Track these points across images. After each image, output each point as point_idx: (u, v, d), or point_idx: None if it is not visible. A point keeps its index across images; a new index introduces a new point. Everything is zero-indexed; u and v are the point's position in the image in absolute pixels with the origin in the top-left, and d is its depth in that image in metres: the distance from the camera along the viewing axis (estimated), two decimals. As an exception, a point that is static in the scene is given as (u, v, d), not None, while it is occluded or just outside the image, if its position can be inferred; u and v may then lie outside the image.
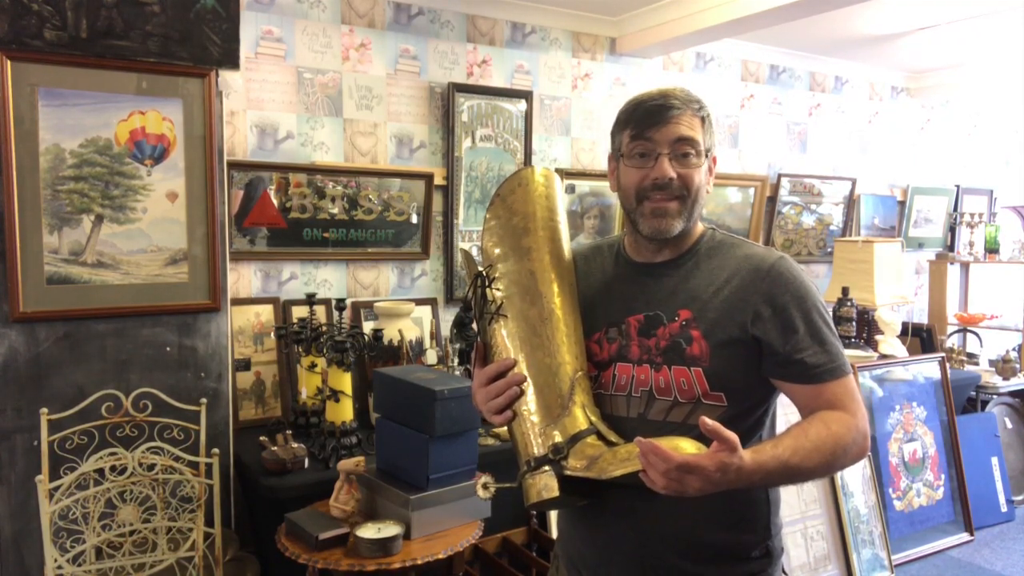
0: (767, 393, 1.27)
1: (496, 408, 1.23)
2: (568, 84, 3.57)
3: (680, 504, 1.15)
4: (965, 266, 5.17)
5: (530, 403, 1.20)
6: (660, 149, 1.23)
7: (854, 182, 4.58)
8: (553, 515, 2.73)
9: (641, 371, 1.24)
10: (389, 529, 1.93)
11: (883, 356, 3.78)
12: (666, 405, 1.22)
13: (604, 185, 3.65)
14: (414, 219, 3.17)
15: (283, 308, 2.92)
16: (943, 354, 3.96)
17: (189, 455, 2.11)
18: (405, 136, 3.17)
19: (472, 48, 3.30)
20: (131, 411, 2.16)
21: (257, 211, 2.85)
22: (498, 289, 1.28)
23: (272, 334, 2.81)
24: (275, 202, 2.88)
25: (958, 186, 5.14)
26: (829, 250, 4.52)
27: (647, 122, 1.24)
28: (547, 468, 1.15)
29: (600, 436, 1.17)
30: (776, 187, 4.29)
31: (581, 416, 1.19)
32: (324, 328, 2.57)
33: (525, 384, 1.21)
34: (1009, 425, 4.28)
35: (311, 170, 2.95)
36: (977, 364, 4.45)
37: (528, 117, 3.40)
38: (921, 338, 4.28)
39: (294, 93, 2.93)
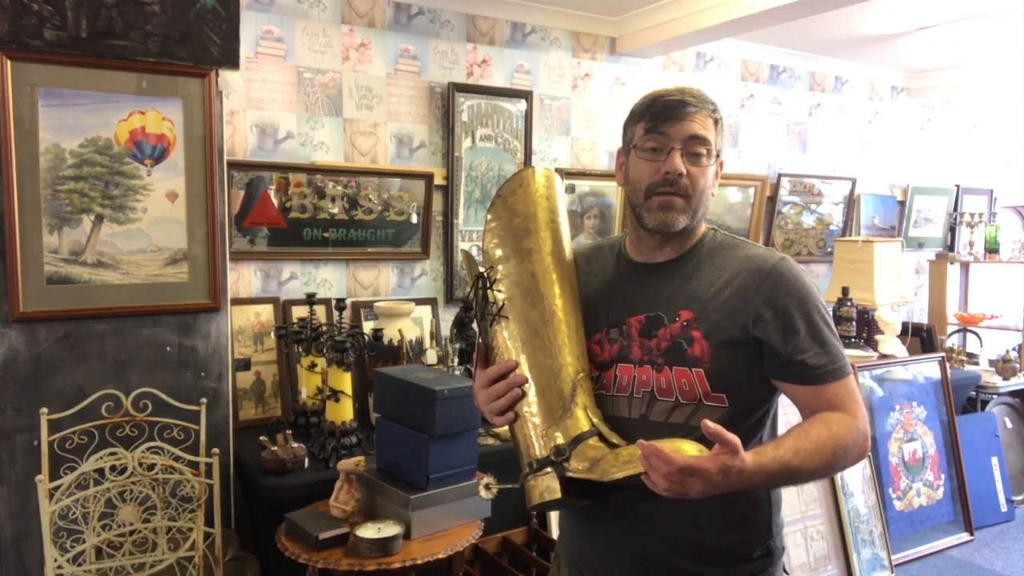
0: (768, 394, 1.27)
1: (498, 410, 1.23)
2: (568, 84, 3.57)
3: (682, 505, 1.15)
4: (965, 266, 5.17)
5: (532, 405, 1.20)
6: (673, 144, 1.23)
7: (854, 182, 4.58)
8: (554, 515, 2.73)
9: (642, 372, 1.24)
10: (389, 529, 1.93)
11: (883, 356, 3.78)
12: (668, 406, 1.22)
13: (604, 185, 3.65)
14: (414, 219, 3.17)
15: (283, 308, 2.92)
16: (943, 354, 3.96)
17: (189, 455, 2.10)
18: (405, 136, 3.17)
19: (472, 48, 3.30)
20: (131, 411, 2.16)
21: (257, 211, 2.85)
22: (499, 290, 1.28)
23: (272, 334, 2.81)
24: (275, 202, 2.88)
25: (958, 186, 5.14)
26: (829, 250, 4.52)
27: (663, 116, 1.24)
28: (549, 470, 1.15)
29: (602, 438, 1.17)
30: (776, 187, 4.29)
31: (583, 418, 1.19)
32: (324, 328, 2.57)
33: (527, 386, 1.21)
34: (1009, 425, 4.28)
35: (311, 170, 2.95)
36: (977, 364, 4.45)
37: (528, 117, 3.40)
38: (921, 338, 4.28)
39: (294, 93, 2.93)
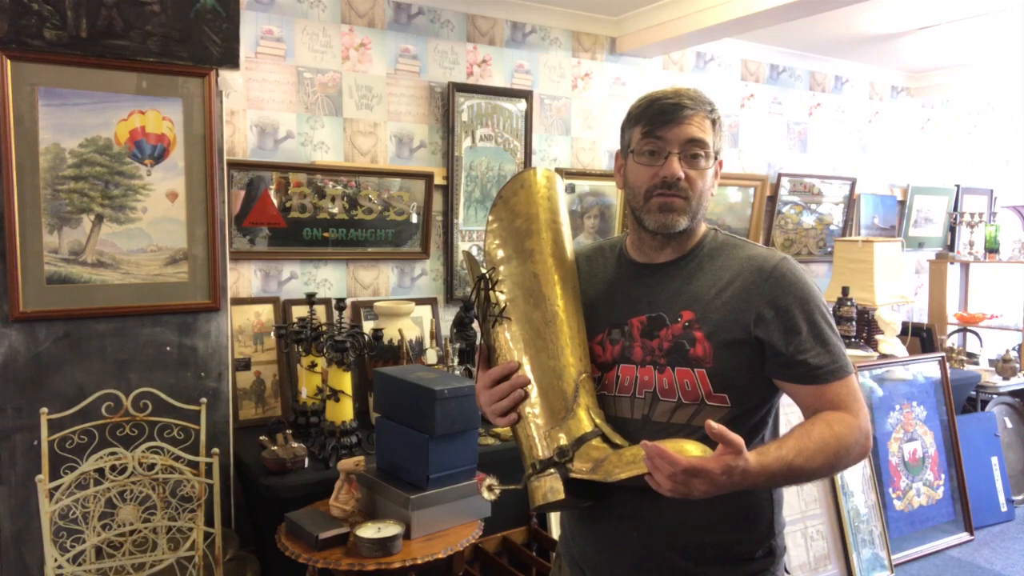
0: (770, 394, 1.27)
1: (500, 411, 1.23)
2: (568, 84, 3.57)
3: (684, 505, 1.15)
4: (965, 266, 5.17)
5: (535, 406, 1.20)
6: (670, 148, 1.23)
7: (854, 182, 4.58)
8: (554, 515, 2.73)
9: (644, 372, 1.24)
10: (389, 529, 1.93)
11: (883, 356, 3.78)
12: (670, 406, 1.22)
13: (604, 185, 3.65)
14: (414, 219, 3.17)
15: (283, 308, 2.92)
16: (943, 354, 3.96)
17: (189, 455, 2.10)
18: (405, 136, 3.17)
19: (472, 48, 3.29)
20: (131, 411, 2.16)
21: (257, 211, 2.85)
22: (501, 291, 1.28)
23: (272, 334, 2.81)
24: (275, 202, 2.88)
25: (958, 186, 5.14)
26: (829, 250, 4.52)
27: (659, 120, 1.23)
28: (552, 471, 1.15)
29: (605, 438, 1.18)
30: (776, 187, 4.29)
31: (586, 418, 1.19)
32: (324, 328, 2.57)
33: (529, 387, 1.21)
34: (1009, 425, 4.28)
35: (311, 170, 2.95)
36: (977, 364, 4.45)
37: (528, 117, 3.40)
38: (921, 338, 4.28)
39: (294, 93, 2.93)
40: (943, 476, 3.71)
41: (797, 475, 1.14)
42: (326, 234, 3.00)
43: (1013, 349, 4.34)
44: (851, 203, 4.62)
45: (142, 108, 2.23)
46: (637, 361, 1.26)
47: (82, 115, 2.16)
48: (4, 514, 2.13)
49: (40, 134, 2.11)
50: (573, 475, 1.14)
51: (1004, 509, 3.90)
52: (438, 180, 3.20)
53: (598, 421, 1.20)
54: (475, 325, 2.91)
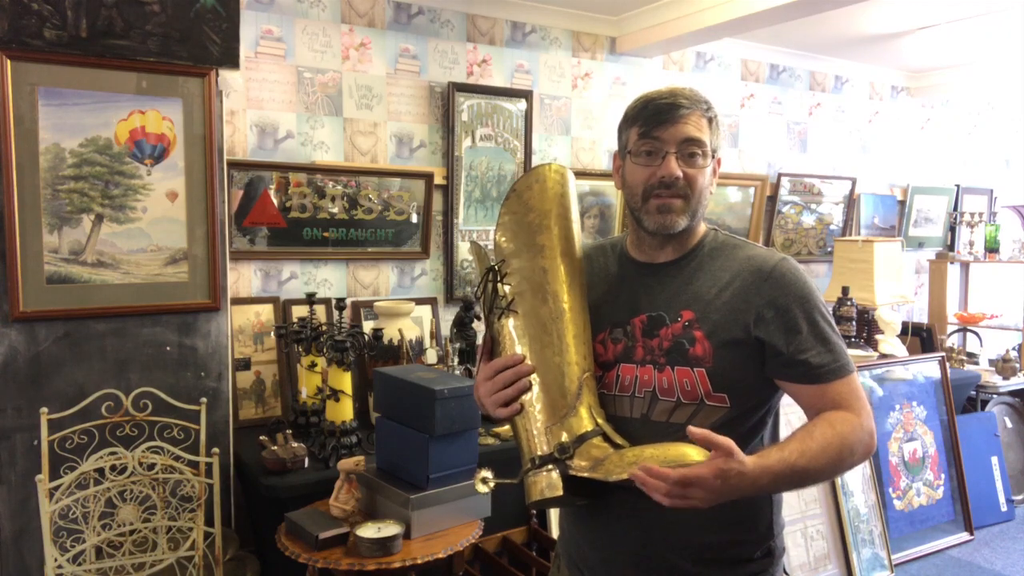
0: (770, 394, 1.27)
1: (503, 399, 1.22)
2: (568, 83, 3.57)
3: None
4: (965, 265, 5.17)
5: (537, 401, 1.20)
6: (667, 148, 1.23)
7: (854, 181, 4.58)
8: (554, 514, 2.73)
9: (644, 372, 1.24)
10: (389, 528, 1.93)
11: (883, 356, 3.78)
12: (669, 406, 1.22)
13: (604, 184, 3.65)
14: (414, 218, 3.17)
15: (283, 307, 2.92)
16: (943, 353, 3.96)
17: (189, 454, 2.10)
18: (405, 135, 3.17)
19: (472, 47, 3.29)
20: (131, 410, 2.16)
21: (257, 210, 2.85)
22: (509, 284, 1.27)
23: (272, 333, 2.81)
24: (275, 201, 2.88)
25: (958, 186, 5.14)
26: (829, 250, 4.52)
27: (655, 121, 1.23)
28: (551, 466, 1.15)
29: (606, 438, 1.18)
30: (776, 186, 4.29)
31: (587, 417, 1.19)
32: (324, 327, 2.57)
33: (533, 377, 1.21)
34: (1009, 424, 4.28)
35: (311, 169, 2.95)
36: (977, 364, 4.45)
37: (528, 116, 3.40)
38: (921, 337, 4.28)
39: (294, 92, 2.93)
40: (943, 476, 3.71)
41: (801, 477, 1.14)
42: (326, 234, 3.00)
43: (1013, 349, 4.34)
44: (851, 203, 4.62)
45: (142, 108, 2.23)
46: (637, 361, 1.26)
47: (82, 115, 2.16)
48: (4, 514, 2.13)
49: (40, 134, 2.11)
50: (573, 472, 1.13)
51: (1004, 509, 3.90)
52: (438, 180, 3.20)
53: (600, 420, 1.20)
54: (475, 325, 2.91)
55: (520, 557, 2.59)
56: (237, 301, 2.80)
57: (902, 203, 4.92)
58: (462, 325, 2.88)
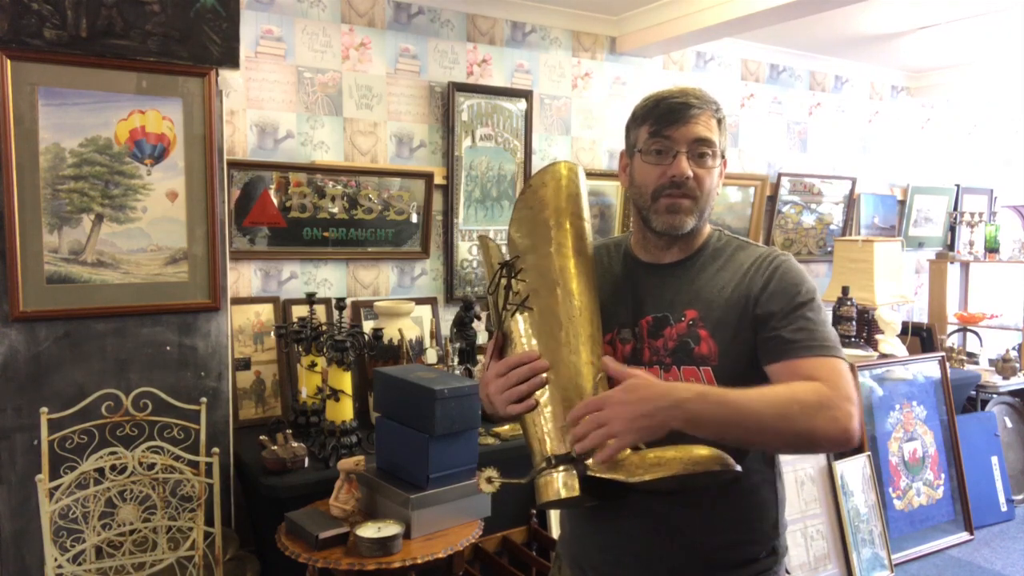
0: None
1: (516, 395, 1.18)
2: (568, 83, 3.57)
3: (689, 505, 1.15)
4: (965, 265, 5.17)
5: (552, 400, 1.18)
6: (678, 147, 1.23)
7: (854, 181, 4.58)
8: (554, 515, 2.73)
9: (651, 373, 1.24)
10: (389, 528, 1.93)
11: (883, 355, 3.78)
12: None
13: (604, 184, 3.65)
14: (414, 218, 3.17)
15: (283, 307, 2.92)
16: (943, 353, 3.96)
17: (189, 454, 2.10)
18: (405, 135, 3.17)
19: (472, 47, 3.29)
20: (131, 410, 2.16)
21: (257, 210, 2.85)
22: (523, 281, 1.26)
23: (272, 333, 2.81)
24: (275, 201, 2.88)
25: (958, 185, 5.14)
26: (829, 249, 4.52)
27: (667, 120, 1.23)
28: (568, 466, 1.13)
29: None
30: (776, 186, 4.29)
31: None
32: (324, 327, 2.57)
33: (548, 374, 1.18)
34: (1009, 424, 4.27)
35: (311, 169, 2.95)
36: (977, 363, 4.45)
37: (528, 116, 3.40)
38: (921, 337, 4.28)
39: (294, 92, 2.93)
40: (943, 476, 3.71)
41: (740, 417, 1.07)
42: (326, 234, 3.00)
43: (1013, 349, 4.34)
44: (851, 203, 4.62)
45: (142, 108, 2.23)
46: (645, 362, 1.26)
47: (82, 115, 2.16)
48: (4, 514, 2.13)
49: (40, 134, 2.11)
50: (591, 473, 1.11)
51: (1004, 509, 3.90)
52: (438, 180, 3.20)
53: None
54: (475, 325, 2.91)
55: (520, 557, 2.59)
56: (237, 301, 2.80)
57: (902, 203, 4.92)
58: (462, 325, 2.88)
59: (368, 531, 1.92)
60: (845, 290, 3.74)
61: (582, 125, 3.64)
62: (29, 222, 2.12)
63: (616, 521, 1.27)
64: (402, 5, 3.12)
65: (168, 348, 2.30)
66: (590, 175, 3.61)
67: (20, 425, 2.12)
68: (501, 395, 1.20)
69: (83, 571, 1.98)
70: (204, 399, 2.23)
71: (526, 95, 3.39)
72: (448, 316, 3.18)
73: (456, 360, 2.82)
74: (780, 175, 4.29)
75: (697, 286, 1.27)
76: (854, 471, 3.34)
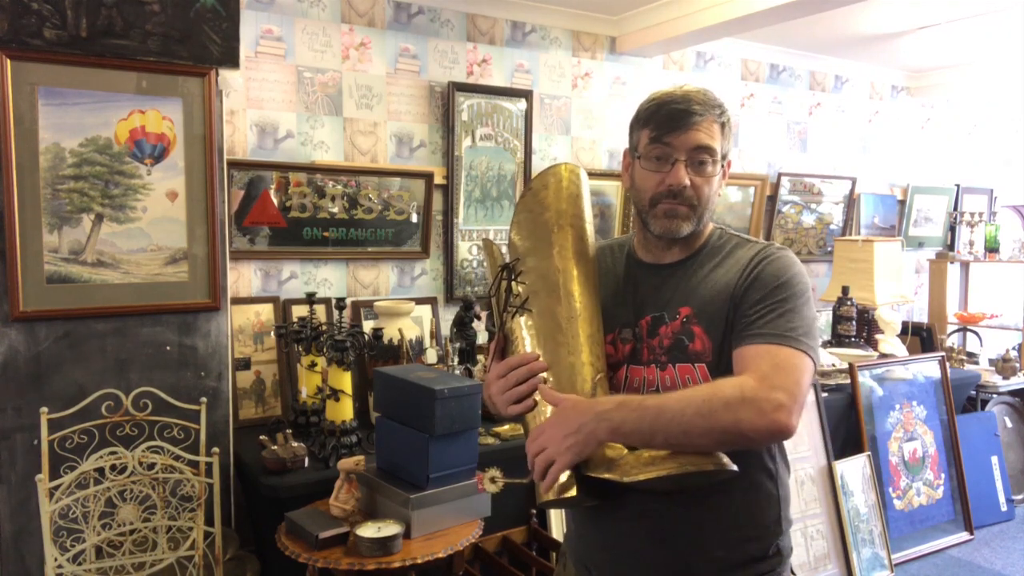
0: None
1: (516, 396, 1.20)
2: (568, 83, 3.57)
3: (688, 504, 1.15)
4: (965, 265, 5.17)
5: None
6: (677, 155, 1.22)
7: (854, 181, 4.58)
8: (555, 514, 2.73)
9: (649, 372, 1.25)
10: (389, 528, 1.93)
11: (883, 355, 3.78)
12: None
13: (604, 184, 3.66)
14: (414, 218, 3.17)
15: (283, 307, 2.92)
16: (943, 353, 3.96)
17: (189, 454, 2.10)
18: (405, 135, 3.17)
19: (472, 47, 3.29)
20: (131, 410, 2.16)
21: (257, 210, 2.85)
22: (523, 283, 1.27)
23: (272, 333, 2.81)
24: (275, 201, 2.88)
25: (958, 185, 5.14)
26: (829, 249, 4.52)
27: (668, 126, 1.23)
28: None
29: None
30: (776, 186, 4.29)
31: None
32: (324, 327, 2.57)
33: (547, 375, 1.20)
34: (1009, 424, 4.27)
35: (311, 169, 2.95)
36: (977, 363, 4.44)
37: (528, 116, 3.40)
38: (921, 337, 4.28)
39: (294, 92, 2.93)
40: (943, 476, 3.71)
41: (658, 419, 1.06)
42: (326, 234, 3.00)
43: (1013, 349, 4.34)
44: (851, 203, 4.62)
45: (142, 108, 2.23)
46: (643, 362, 1.26)
47: (82, 115, 2.16)
48: (4, 514, 2.13)
49: (40, 134, 2.11)
50: (589, 473, 1.13)
51: (1004, 509, 3.90)
52: (438, 180, 3.20)
53: None
54: (475, 324, 2.91)
55: (520, 557, 2.59)
56: (237, 301, 2.80)
57: (902, 203, 4.92)
58: (462, 325, 2.88)
59: (368, 531, 1.92)
60: (845, 290, 3.74)
61: (582, 125, 3.64)
62: (29, 222, 2.12)
63: (618, 520, 1.27)
64: (402, 5, 3.12)
65: (168, 348, 2.30)
66: (590, 175, 3.57)
67: (20, 425, 2.12)
68: (502, 396, 1.23)
69: (83, 571, 1.98)
70: (204, 399, 2.23)
71: (526, 95, 3.39)
72: (448, 316, 3.19)
73: (456, 360, 2.82)
74: (780, 175, 4.29)
75: (693, 284, 1.27)
76: (854, 471, 3.34)
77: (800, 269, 1.25)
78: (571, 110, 3.60)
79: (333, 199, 2.98)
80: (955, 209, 5.09)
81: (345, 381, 2.35)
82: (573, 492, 1.13)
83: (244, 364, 2.79)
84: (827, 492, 3.26)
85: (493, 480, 1.21)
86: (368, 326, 2.90)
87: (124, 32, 2.15)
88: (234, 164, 2.76)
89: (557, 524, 2.74)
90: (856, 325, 3.73)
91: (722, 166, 1.27)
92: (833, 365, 3.67)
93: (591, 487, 1.15)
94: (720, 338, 1.21)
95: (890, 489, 3.50)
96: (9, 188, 2.07)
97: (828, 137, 4.55)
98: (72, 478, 1.96)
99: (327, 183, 2.96)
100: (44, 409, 2.07)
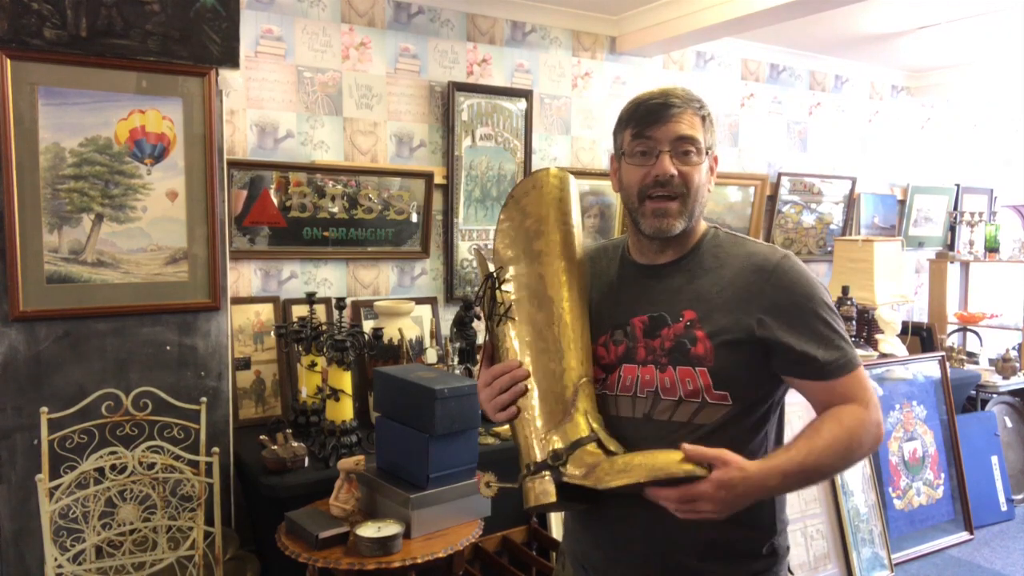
0: (772, 389, 1.27)
1: (500, 404, 1.24)
2: (568, 83, 3.57)
3: None
4: (965, 265, 5.17)
5: (533, 407, 1.21)
6: (661, 147, 1.23)
7: (854, 181, 4.58)
8: (554, 515, 2.73)
9: (646, 372, 1.25)
10: (389, 528, 1.93)
11: (883, 355, 3.78)
12: (671, 405, 1.23)
13: (604, 184, 3.66)
14: (414, 218, 3.17)
15: (283, 307, 2.92)
16: (943, 353, 3.96)
17: (189, 454, 2.10)
18: (405, 135, 3.17)
19: (472, 47, 3.29)
20: (131, 410, 2.16)
21: (257, 210, 2.85)
22: (507, 291, 1.28)
23: (272, 333, 2.81)
24: (275, 201, 2.88)
25: (958, 185, 5.14)
26: (829, 249, 4.52)
27: (648, 120, 1.24)
28: (546, 473, 1.16)
29: (600, 444, 1.18)
30: (776, 186, 4.29)
31: (583, 423, 1.19)
32: (324, 327, 2.57)
33: (529, 383, 1.22)
34: (1009, 424, 4.28)
35: (311, 169, 2.95)
36: (977, 363, 4.45)
37: (528, 116, 3.40)
38: (921, 337, 4.28)
39: (294, 92, 2.93)
40: (943, 475, 3.71)
41: (811, 474, 1.17)
42: (326, 233, 3.00)
43: (1013, 348, 4.34)
44: (851, 202, 4.62)
45: (142, 107, 2.23)
46: (639, 361, 1.26)
47: (82, 114, 2.16)
48: (4, 514, 2.13)
49: (40, 133, 2.11)
50: (566, 480, 1.15)
51: (1004, 508, 3.90)
52: (438, 179, 3.20)
53: (595, 426, 1.20)
54: (476, 324, 2.91)
55: (520, 557, 2.59)
56: (237, 301, 2.80)
57: (902, 203, 4.92)
58: (462, 324, 2.88)
59: (368, 531, 1.92)
60: (845, 290, 3.74)
61: (582, 125, 3.64)
62: (29, 222, 2.12)
63: (613, 521, 1.28)
64: (402, 5, 3.12)
65: (168, 348, 2.30)
66: (590, 175, 3.61)
67: (20, 425, 2.13)
68: (488, 404, 1.27)
69: (83, 571, 1.98)
70: (204, 399, 2.23)
71: (526, 95, 3.39)
72: (448, 316, 3.18)
73: (456, 360, 2.82)
74: (780, 175, 4.29)
75: (695, 286, 1.27)
76: (854, 471, 3.34)
77: (810, 274, 1.28)
78: (571, 110, 3.60)
79: (333, 199, 2.98)
80: (955, 209, 5.09)
81: (345, 381, 2.35)
82: (552, 499, 1.15)
83: (244, 364, 2.79)
84: (827, 492, 3.26)
85: (488, 485, 1.23)
86: (368, 326, 2.90)
87: (124, 32, 2.16)
88: (234, 164, 2.76)
89: (557, 524, 2.74)
90: (856, 325, 3.73)
91: (708, 159, 1.28)
92: (833, 365, 3.66)
93: (574, 492, 1.16)
94: (723, 345, 1.21)
95: (890, 489, 3.50)
96: (9, 188, 2.07)
97: (828, 137, 4.55)
98: (72, 478, 1.96)
99: (327, 183, 2.96)
100: (44, 409, 2.07)
